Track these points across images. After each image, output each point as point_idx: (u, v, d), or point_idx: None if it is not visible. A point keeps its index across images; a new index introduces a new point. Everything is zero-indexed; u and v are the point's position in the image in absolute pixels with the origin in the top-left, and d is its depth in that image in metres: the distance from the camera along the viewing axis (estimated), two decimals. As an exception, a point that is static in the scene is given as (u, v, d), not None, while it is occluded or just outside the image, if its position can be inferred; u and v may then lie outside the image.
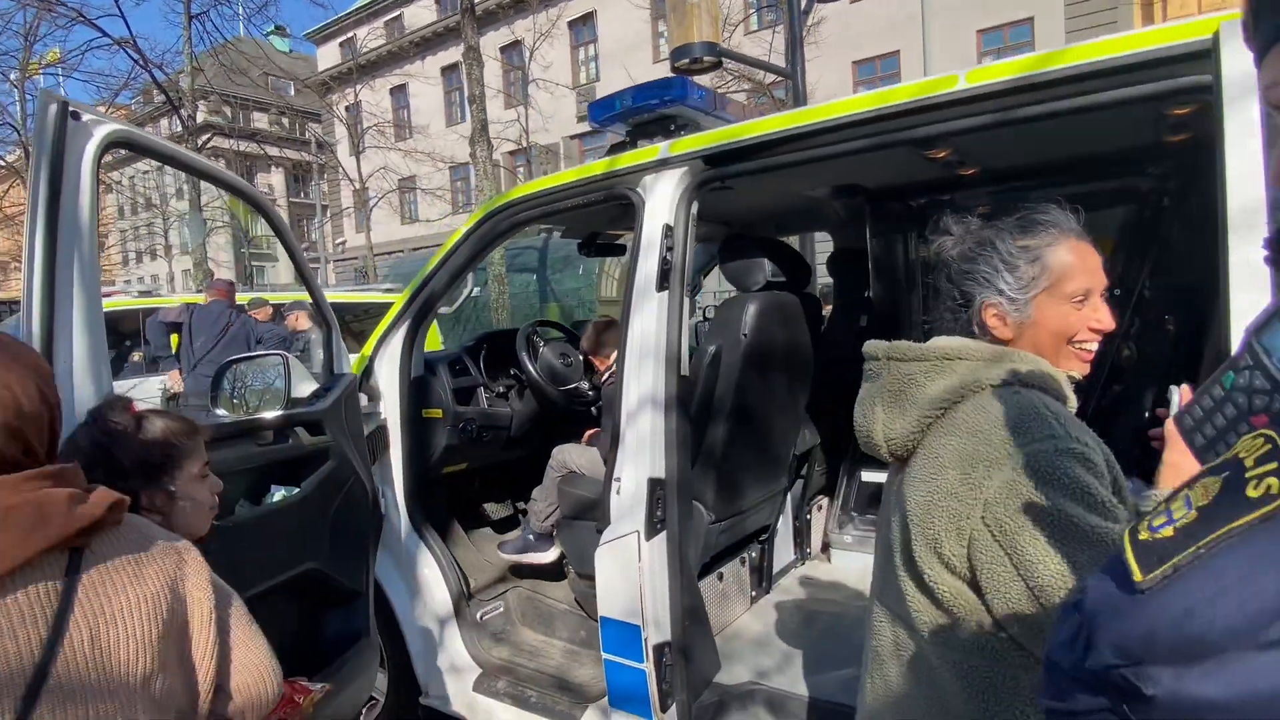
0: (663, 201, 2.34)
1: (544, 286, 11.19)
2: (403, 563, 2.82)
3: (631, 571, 2.15)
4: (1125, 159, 2.80)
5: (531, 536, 3.06)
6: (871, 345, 1.32)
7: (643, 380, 2.29)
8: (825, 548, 3.64)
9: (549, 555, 3.01)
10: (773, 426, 2.81)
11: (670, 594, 2.18)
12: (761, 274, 2.61)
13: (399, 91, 28.45)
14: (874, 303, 3.46)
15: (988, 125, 1.78)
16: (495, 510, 3.66)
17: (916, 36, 13.00)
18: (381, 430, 2.79)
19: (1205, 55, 1.46)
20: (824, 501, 3.67)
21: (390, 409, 2.80)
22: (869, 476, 3.50)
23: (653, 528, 2.18)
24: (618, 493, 2.26)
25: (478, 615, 2.79)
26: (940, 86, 1.82)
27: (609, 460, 2.31)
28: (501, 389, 3.15)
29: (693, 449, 2.49)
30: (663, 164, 2.31)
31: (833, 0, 8.91)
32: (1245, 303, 1.36)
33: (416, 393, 2.84)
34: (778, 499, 3.09)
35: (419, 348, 2.86)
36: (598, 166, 2.44)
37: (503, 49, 24.66)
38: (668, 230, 2.31)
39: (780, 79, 9.06)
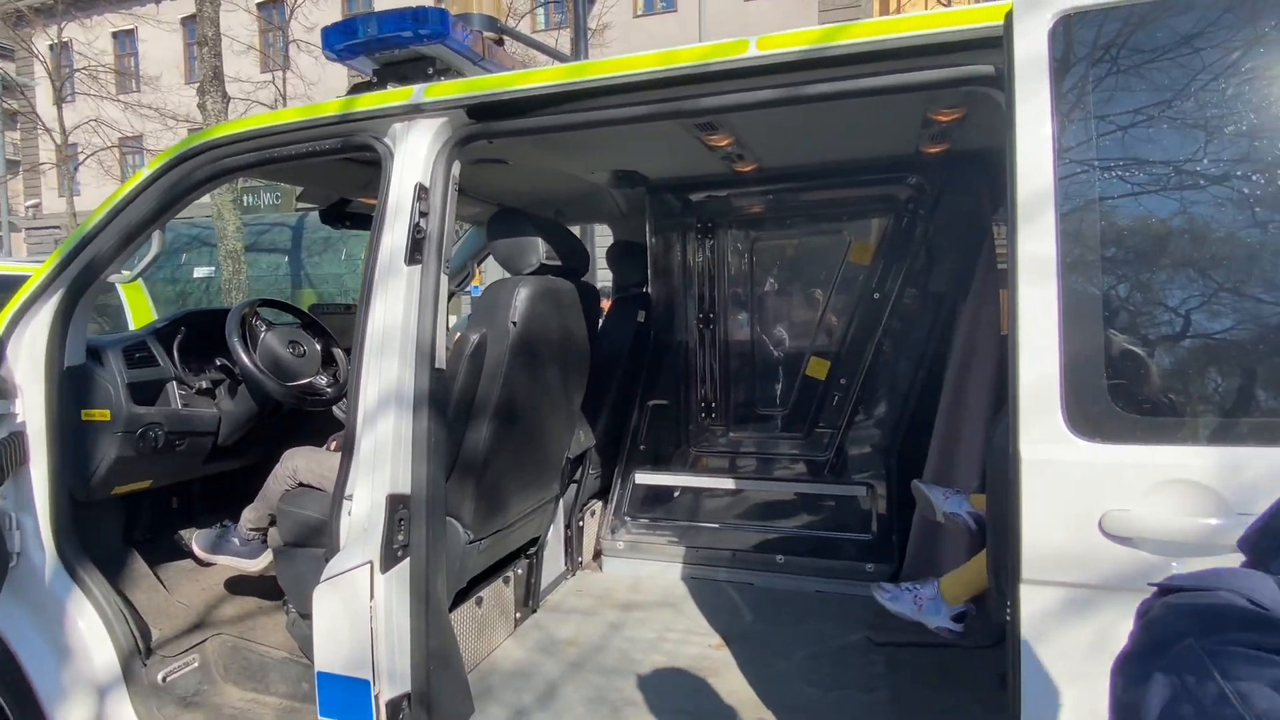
0: (416, 156, 1.94)
1: (297, 270, 9.93)
2: (47, 614, 2.10)
3: (360, 613, 1.72)
4: (891, 165, 2.90)
5: (236, 540, 2.46)
6: None
7: (385, 375, 1.87)
8: (597, 555, 3.42)
9: (254, 564, 2.43)
10: (544, 428, 2.50)
11: (412, 636, 1.78)
12: (535, 255, 2.29)
13: (126, 36, 24.17)
14: (652, 299, 3.31)
15: (774, 101, 1.62)
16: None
17: (694, 52, 13.53)
18: (16, 438, 2.05)
19: (996, 42, 1.39)
20: (597, 506, 3.45)
21: (31, 409, 2.08)
22: (644, 479, 3.34)
23: (391, 556, 1.76)
24: (348, 514, 1.82)
25: (158, 676, 2.15)
26: (730, 51, 1.63)
27: (339, 474, 1.85)
28: (205, 384, 2.49)
29: (449, 457, 2.11)
30: (416, 110, 1.90)
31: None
32: (1032, 296, 1.29)
33: (72, 388, 2.13)
34: (548, 508, 2.79)
35: (78, 328, 2.15)
36: (331, 106, 1.97)
37: (260, 4, 21.94)
38: (421, 191, 1.91)
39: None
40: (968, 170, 2.84)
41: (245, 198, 14.01)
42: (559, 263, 2.37)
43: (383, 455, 1.85)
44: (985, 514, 2.07)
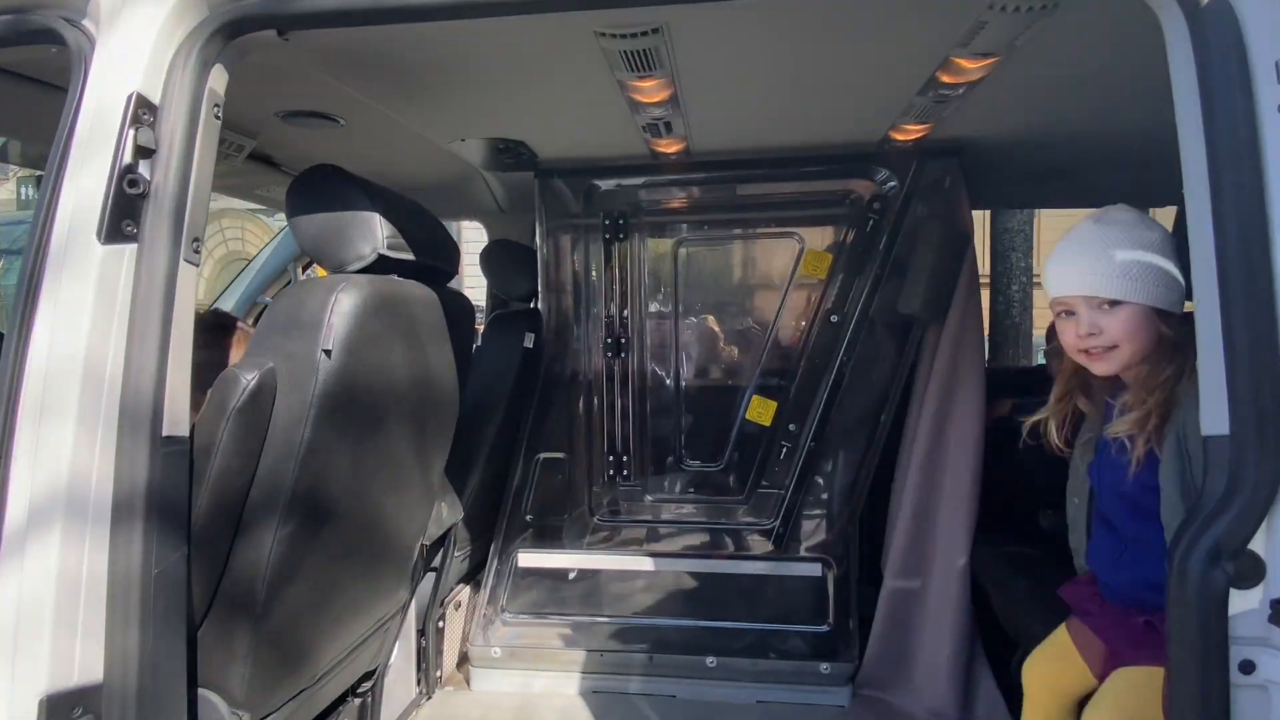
0: (136, 50, 1.07)
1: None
2: None
3: None
4: (853, 155, 2.27)
5: None
6: None
7: (51, 455, 0.96)
8: (463, 663, 2.53)
9: None
10: (382, 516, 1.61)
11: None
12: (369, 241, 1.42)
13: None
14: (543, 318, 2.48)
15: None
16: None
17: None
18: None
19: None
20: (464, 595, 2.55)
21: None
22: (530, 559, 2.48)
23: None
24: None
25: None
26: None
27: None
28: None
29: (202, 593, 1.20)
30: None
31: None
32: None
33: None
34: (391, 625, 1.88)
35: None
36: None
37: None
38: (142, 109, 1.04)
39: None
40: (948, 164, 2.26)
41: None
42: (410, 256, 1.51)
43: (37, 616, 0.93)
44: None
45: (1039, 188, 2.65)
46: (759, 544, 2.40)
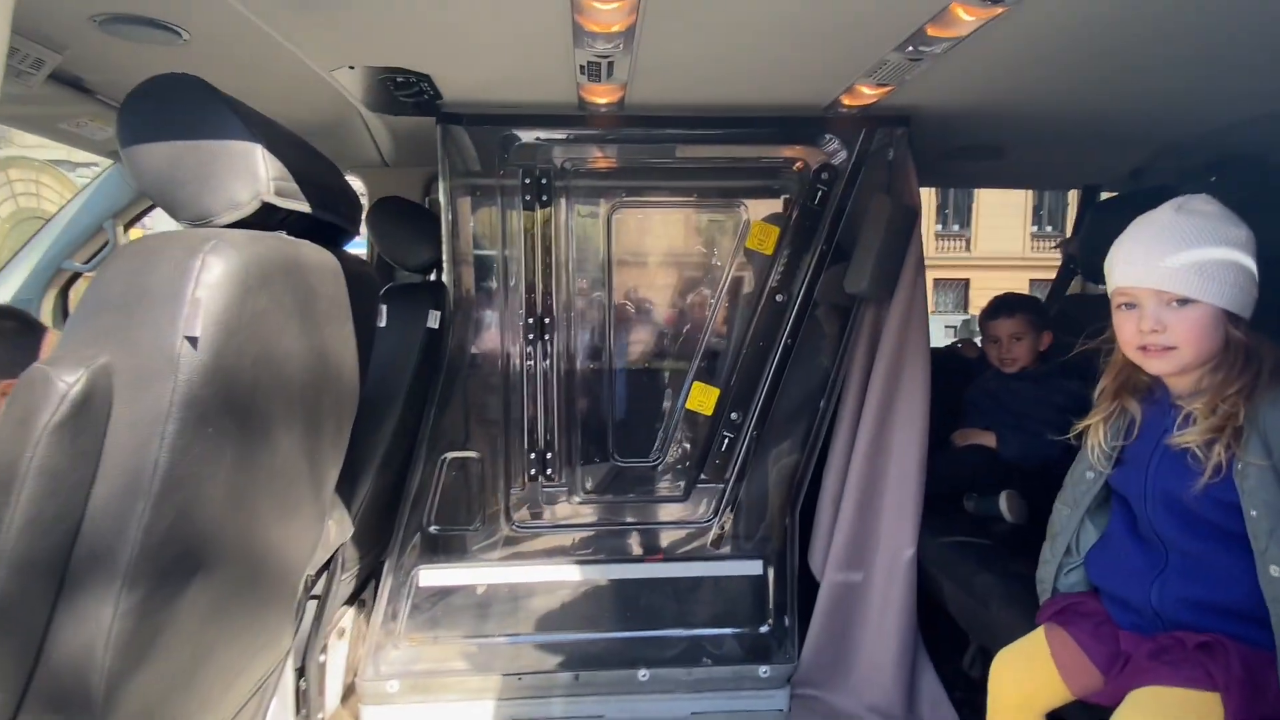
0: None
1: None
2: None
3: None
4: (801, 119, 2.07)
5: None
6: None
7: None
8: (349, 696, 2.15)
9: None
10: (268, 551, 1.22)
11: None
12: (248, 183, 1.03)
13: None
14: (449, 294, 2.10)
15: None
16: None
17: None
18: None
19: None
20: (348, 618, 2.16)
21: None
22: (433, 576, 2.12)
23: None
24: None
25: None
26: None
27: None
28: None
29: (4, 692, 0.80)
30: None
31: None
32: None
33: None
34: (269, 684, 1.49)
35: None
36: None
37: None
38: None
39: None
40: (896, 133, 2.11)
41: None
42: (304, 206, 1.12)
43: None
44: None
45: (969, 165, 2.59)
46: (696, 544, 2.18)
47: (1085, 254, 2.53)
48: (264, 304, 1.00)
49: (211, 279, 0.92)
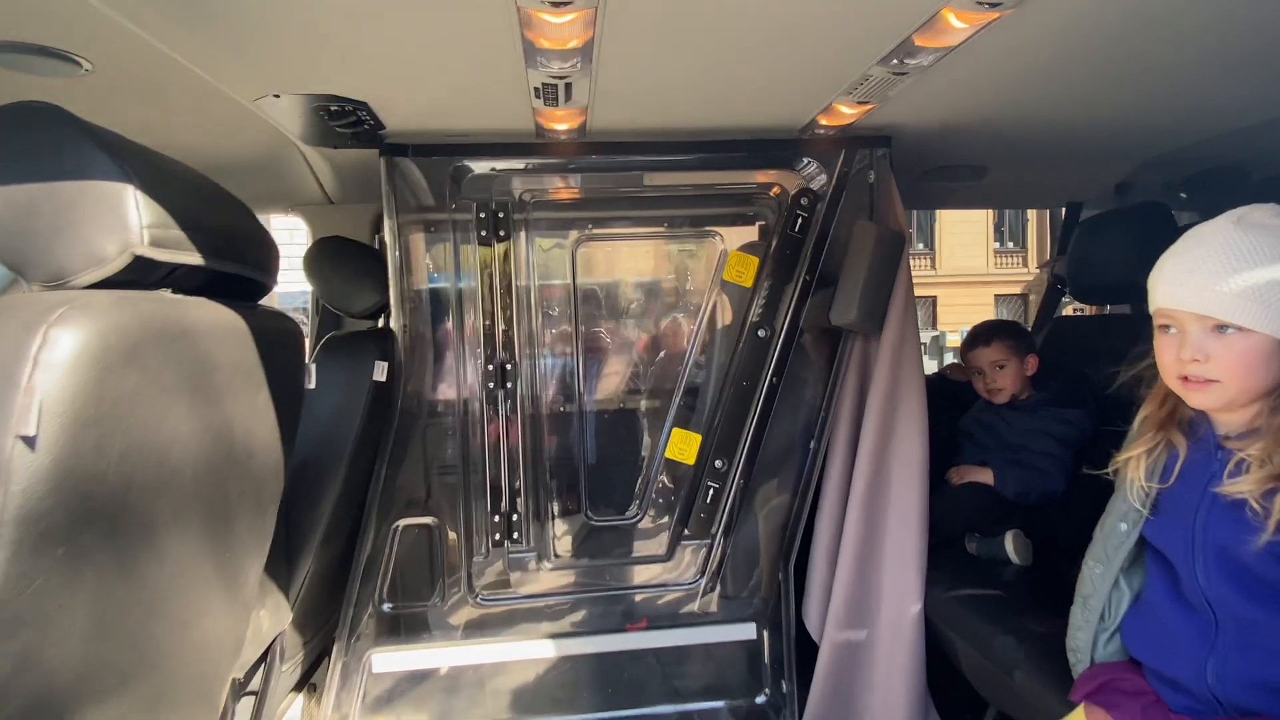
0: None
1: None
2: None
3: None
4: (777, 142, 1.92)
5: None
6: None
7: None
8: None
9: None
10: (165, 668, 1.00)
11: None
12: (114, 232, 0.83)
13: None
14: (398, 341, 1.89)
15: None
16: None
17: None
18: None
19: None
20: (297, 706, 1.91)
21: None
22: (387, 661, 1.89)
23: None
24: None
25: None
26: None
27: None
28: None
29: None
30: None
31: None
32: None
33: None
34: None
35: None
36: None
37: None
38: None
39: None
40: (878, 154, 1.97)
41: None
42: (195, 258, 0.92)
43: None
44: None
45: (950, 185, 2.46)
46: (683, 608, 1.98)
47: (1074, 273, 2.41)
48: (133, 383, 0.79)
49: (56, 358, 0.71)
